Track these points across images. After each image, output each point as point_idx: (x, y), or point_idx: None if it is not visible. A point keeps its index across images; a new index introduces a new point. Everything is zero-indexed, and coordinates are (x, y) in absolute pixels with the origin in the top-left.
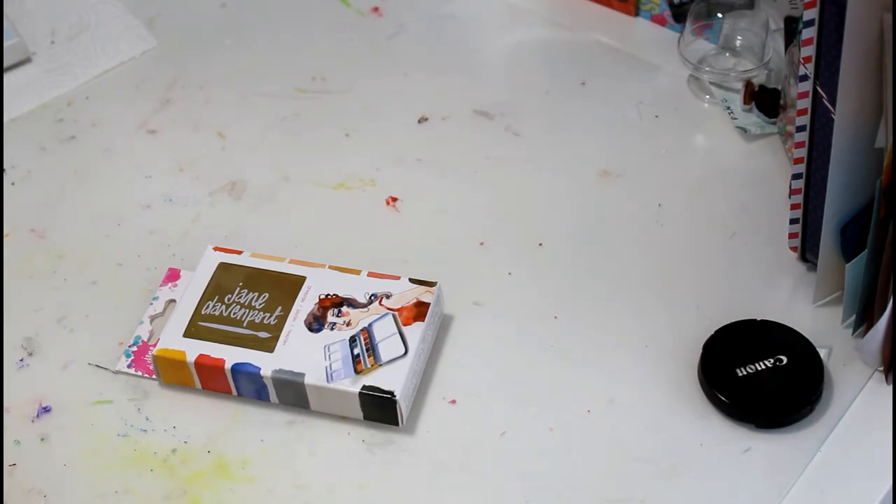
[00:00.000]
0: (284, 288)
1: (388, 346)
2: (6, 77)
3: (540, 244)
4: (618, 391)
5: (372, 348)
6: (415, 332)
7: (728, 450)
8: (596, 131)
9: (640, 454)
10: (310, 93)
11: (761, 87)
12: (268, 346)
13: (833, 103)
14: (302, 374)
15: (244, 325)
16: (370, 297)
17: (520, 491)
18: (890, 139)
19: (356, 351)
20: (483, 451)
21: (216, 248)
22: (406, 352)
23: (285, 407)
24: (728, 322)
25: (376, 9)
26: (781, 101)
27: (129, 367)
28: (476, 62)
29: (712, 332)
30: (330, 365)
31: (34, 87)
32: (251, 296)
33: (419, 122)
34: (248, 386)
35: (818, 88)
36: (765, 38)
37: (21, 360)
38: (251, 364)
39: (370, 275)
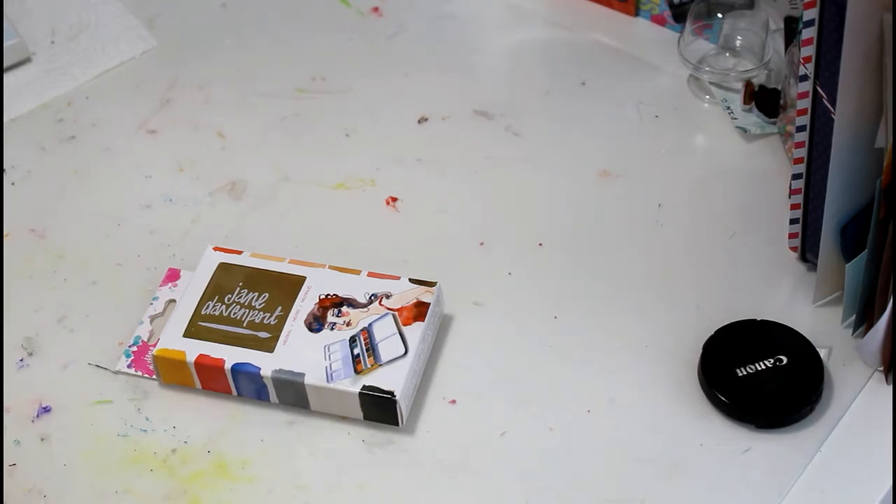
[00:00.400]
0: (284, 288)
1: (388, 346)
2: (6, 77)
3: (540, 244)
4: (618, 391)
5: (372, 348)
6: (415, 332)
7: (728, 450)
8: (596, 131)
9: (640, 454)
10: (310, 93)
11: (761, 87)
12: (268, 346)
13: (833, 103)
14: (302, 374)
15: (244, 325)
16: (370, 297)
17: (520, 491)
18: (890, 139)
19: (356, 351)
20: (483, 451)
21: (216, 248)
22: (406, 352)
23: (285, 407)
24: (728, 322)
25: (376, 9)
26: (781, 101)
27: (129, 367)
28: (476, 62)
29: (712, 332)
30: (330, 365)
31: (34, 87)
32: (251, 296)
33: (419, 122)
34: (248, 386)
35: (818, 88)
36: (765, 38)
37: (21, 360)
38: (251, 364)
39: (370, 275)
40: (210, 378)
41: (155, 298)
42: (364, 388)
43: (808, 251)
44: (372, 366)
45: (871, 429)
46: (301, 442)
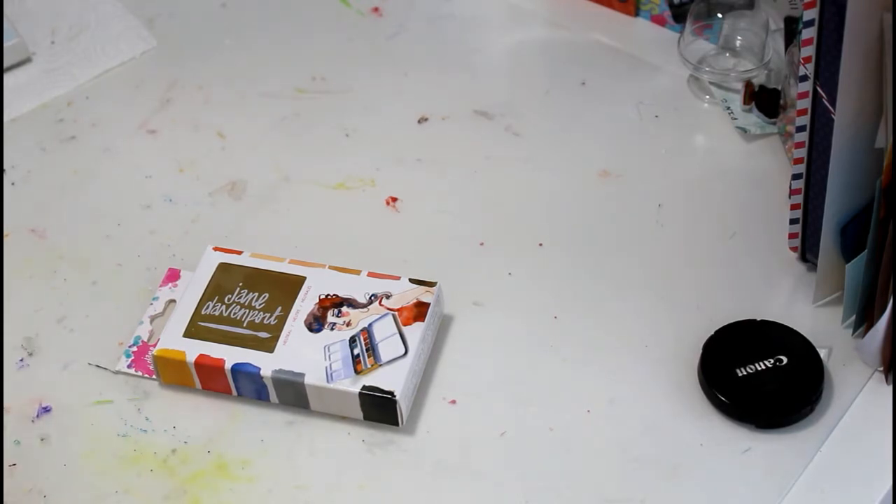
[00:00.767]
0: (284, 288)
1: (388, 346)
2: (6, 77)
3: (540, 244)
4: (618, 391)
5: (372, 348)
6: (415, 332)
7: (728, 450)
8: (596, 131)
9: (640, 454)
10: (310, 93)
11: (761, 87)
12: (268, 346)
13: (833, 103)
14: (302, 374)
15: (244, 325)
16: (370, 298)
17: (520, 491)
18: (890, 139)
19: (356, 351)
20: (483, 451)
21: (216, 248)
22: (406, 352)
23: (285, 407)
24: (728, 322)
25: (376, 9)
26: (781, 101)
27: (129, 367)
28: (476, 62)
29: (712, 333)
30: (330, 365)
31: (34, 87)
32: (251, 296)
33: (419, 122)
34: (248, 386)
35: (818, 88)
36: (765, 38)
37: (21, 360)
38: (251, 364)
39: (370, 275)
40: (210, 378)
41: (155, 298)
42: (364, 388)
43: (808, 251)
44: (372, 366)
45: (871, 429)
46: (301, 442)
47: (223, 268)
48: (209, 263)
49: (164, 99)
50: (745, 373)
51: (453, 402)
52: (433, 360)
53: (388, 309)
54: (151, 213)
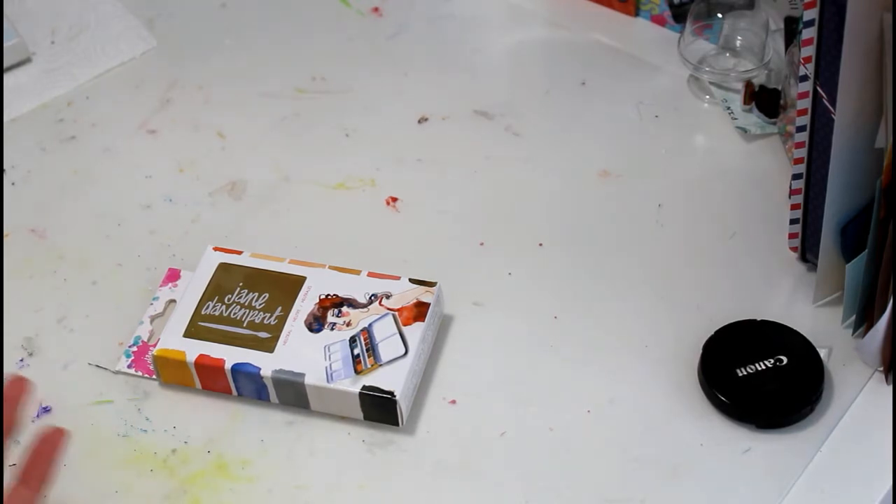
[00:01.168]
0: (284, 288)
1: (388, 346)
2: (6, 77)
3: (540, 244)
4: (618, 391)
5: (372, 348)
6: (415, 332)
7: (728, 450)
8: (596, 131)
9: (640, 454)
10: (310, 93)
11: (761, 87)
12: (268, 346)
13: (833, 103)
14: (302, 374)
15: (244, 325)
16: (370, 298)
17: (520, 491)
18: (890, 139)
19: (356, 351)
20: (483, 451)
21: (216, 248)
22: (406, 352)
23: (285, 407)
24: (728, 322)
25: (376, 9)
26: (781, 101)
27: (129, 367)
28: (476, 62)
29: (712, 333)
30: (330, 365)
31: (34, 87)
32: (251, 296)
33: (419, 122)
34: (248, 386)
35: (818, 88)
36: (765, 38)
37: (21, 360)
38: (251, 364)
39: (370, 275)
40: (210, 378)
41: (155, 298)
42: (364, 388)
43: (808, 251)
44: (372, 366)
45: (871, 429)
46: (301, 442)
47: (223, 268)
48: (209, 263)
49: (164, 99)
50: (745, 373)
51: (453, 402)
52: (433, 360)
53: (388, 309)
54: (151, 213)
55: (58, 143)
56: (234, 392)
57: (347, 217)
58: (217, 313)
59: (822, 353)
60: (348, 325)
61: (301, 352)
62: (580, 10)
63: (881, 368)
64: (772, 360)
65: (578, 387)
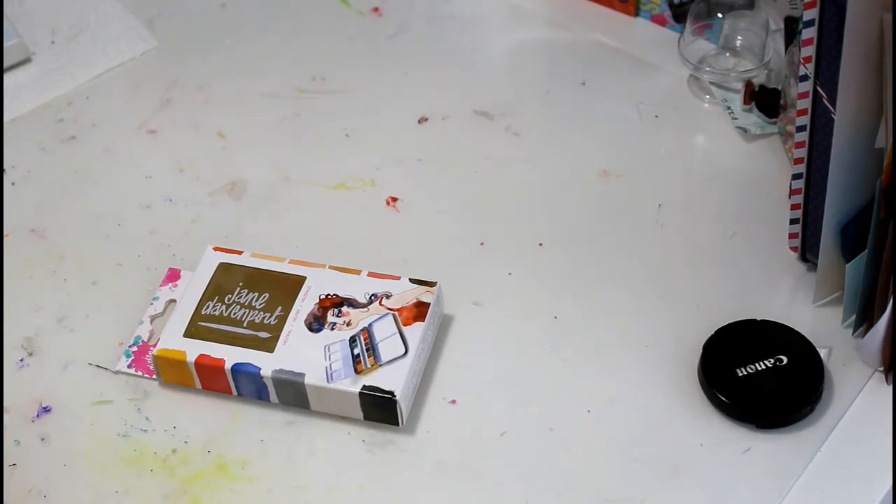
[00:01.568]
0: (284, 288)
1: (388, 346)
2: (6, 77)
3: (540, 244)
4: (618, 391)
5: (372, 348)
6: (415, 332)
7: (728, 450)
8: (596, 131)
9: (640, 454)
10: (310, 93)
11: (761, 87)
12: (268, 346)
13: (833, 103)
14: (302, 374)
15: (244, 325)
16: (370, 297)
17: (520, 491)
18: (890, 139)
19: (356, 351)
20: (483, 451)
21: (216, 248)
22: (406, 352)
23: (285, 407)
24: (728, 322)
25: (376, 9)
26: (781, 101)
27: (129, 367)
28: (476, 62)
29: (712, 332)
30: (330, 365)
31: (34, 87)
32: (251, 296)
33: (419, 122)
34: (248, 386)
35: (818, 88)
36: (765, 38)
37: (21, 360)
38: (251, 364)
39: (370, 275)
40: (210, 378)
41: (155, 298)
42: (364, 388)
43: (808, 251)
44: (372, 366)
45: (871, 429)
46: (301, 442)
47: (223, 268)
48: (209, 263)
49: (164, 99)
50: (745, 373)
51: (453, 402)
52: (433, 360)
53: (389, 309)
54: (151, 213)
55: (58, 143)
56: (234, 392)
57: (347, 217)
58: (217, 313)
59: (822, 353)
60: (348, 324)
61: (301, 352)
62: (580, 10)
63: (881, 368)
64: (772, 360)
65: (578, 387)
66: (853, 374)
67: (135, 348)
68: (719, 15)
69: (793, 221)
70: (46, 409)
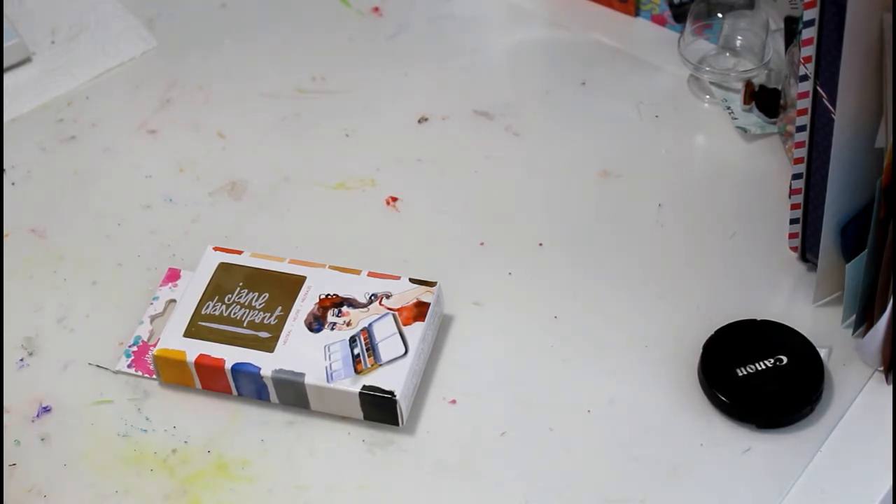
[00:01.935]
0: (284, 288)
1: (388, 346)
2: (6, 77)
3: (540, 244)
4: (618, 391)
5: (372, 348)
6: (415, 332)
7: (728, 450)
8: (596, 131)
9: (640, 454)
10: (310, 93)
11: (761, 87)
12: (268, 346)
13: (833, 103)
14: (302, 374)
15: (244, 325)
16: (370, 297)
17: (520, 491)
18: (890, 139)
19: (356, 351)
20: (483, 451)
21: (216, 248)
22: (406, 352)
23: (285, 407)
24: (728, 322)
25: (376, 9)
26: (781, 101)
27: (129, 367)
28: (476, 62)
29: (712, 332)
30: (330, 365)
31: (34, 87)
32: (251, 296)
33: (419, 122)
34: (248, 386)
35: (818, 88)
36: (765, 38)
37: (21, 360)
38: (251, 364)
39: (370, 275)
40: (210, 378)
41: (155, 298)
42: (364, 388)
43: (808, 251)
44: (372, 366)
45: (871, 429)
46: (301, 442)
47: (223, 268)
48: (209, 263)
49: (164, 99)
50: (745, 373)
51: (453, 402)
52: (433, 360)
53: (389, 309)
54: (151, 213)
55: (58, 143)
56: (234, 392)
57: (347, 217)
58: (217, 313)
59: (822, 353)
60: (348, 324)
61: (301, 351)
62: (580, 10)
63: (881, 368)
64: (772, 360)
65: (578, 387)
66: (853, 374)
67: (135, 348)
68: (719, 15)
69: (793, 221)
70: (46, 409)
